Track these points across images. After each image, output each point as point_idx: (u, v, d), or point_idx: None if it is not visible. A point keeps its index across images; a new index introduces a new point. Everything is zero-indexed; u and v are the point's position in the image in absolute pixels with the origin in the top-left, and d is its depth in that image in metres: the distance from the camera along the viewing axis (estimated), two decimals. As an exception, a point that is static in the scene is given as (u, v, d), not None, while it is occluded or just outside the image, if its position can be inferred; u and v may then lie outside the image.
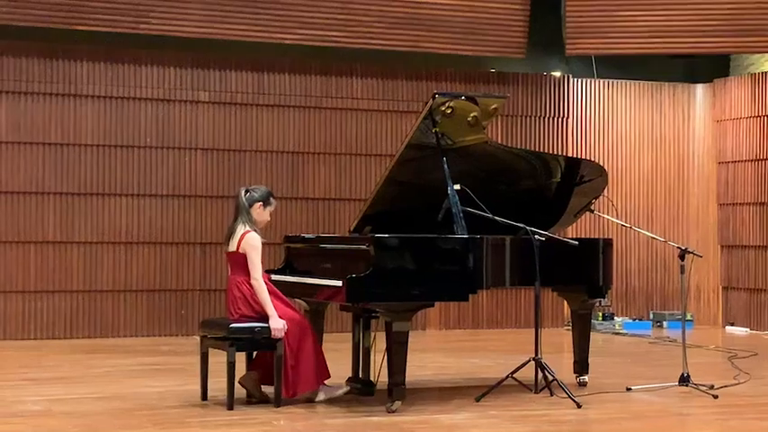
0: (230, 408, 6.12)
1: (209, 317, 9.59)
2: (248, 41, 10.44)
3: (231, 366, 6.13)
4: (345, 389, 6.61)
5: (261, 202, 6.44)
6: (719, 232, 11.94)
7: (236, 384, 6.22)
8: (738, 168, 11.69)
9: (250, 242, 6.29)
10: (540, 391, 6.69)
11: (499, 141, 10.42)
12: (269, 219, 6.54)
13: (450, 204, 6.44)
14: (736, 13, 10.85)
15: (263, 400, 6.36)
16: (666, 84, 12.21)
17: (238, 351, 6.21)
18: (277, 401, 6.21)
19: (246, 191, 6.45)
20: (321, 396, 6.43)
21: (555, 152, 11.29)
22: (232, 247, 6.36)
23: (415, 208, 6.80)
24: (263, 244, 6.37)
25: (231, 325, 6.20)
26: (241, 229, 6.34)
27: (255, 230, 6.36)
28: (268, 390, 6.37)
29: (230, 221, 6.51)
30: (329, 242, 7.03)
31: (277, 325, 6.17)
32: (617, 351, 9.65)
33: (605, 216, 8.22)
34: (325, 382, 6.47)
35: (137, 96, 10.36)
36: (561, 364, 7.59)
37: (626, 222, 8.60)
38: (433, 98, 6.51)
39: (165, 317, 10.40)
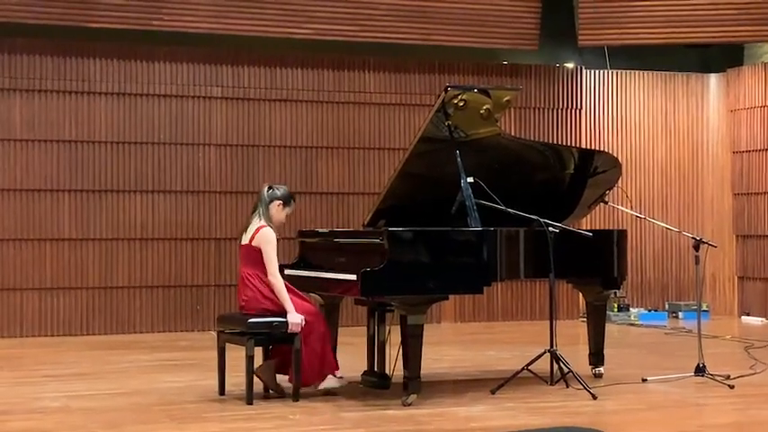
0: (249, 402, 6.14)
1: (223, 312, 9.62)
2: (260, 37, 10.46)
3: (250, 360, 6.15)
4: (341, 383, 6.55)
5: (281, 201, 6.46)
6: (734, 222, 11.91)
7: (255, 378, 6.24)
8: (753, 158, 11.65)
9: (264, 237, 6.32)
10: (556, 382, 6.70)
11: (512, 133, 10.41)
12: (284, 220, 6.56)
13: (464, 197, 6.44)
14: (750, 2, 10.80)
15: (279, 392, 6.38)
16: (680, 74, 12.17)
17: (257, 345, 6.24)
18: (295, 395, 6.23)
19: (270, 187, 6.49)
20: (327, 384, 6.41)
21: (568, 144, 11.27)
22: (245, 239, 6.39)
23: (428, 201, 6.80)
24: (280, 239, 6.39)
25: (249, 320, 6.23)
26: (257, 222, 6.37)
27: (271, 226, 6.38)
28: (282, 380, 6.39)
29: (248, 213, 6.55)
30: (343, 236, 7.04)
31: (295, 320, 6.20)
32: (632, 342, 9.64)
33: (619, 207, 8.21)
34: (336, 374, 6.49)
35: (150, 93, 10.38)
36: (577, 355, 7.58)
37: (640, 213, 8.59)
38: (446, 91, 6.52)
39: (180, 312, 10.43)
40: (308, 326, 6.28)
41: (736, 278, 11.95)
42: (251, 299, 6.32)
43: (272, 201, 6.44)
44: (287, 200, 6.50)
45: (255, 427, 5.63)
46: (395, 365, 6.55)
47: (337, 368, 6.51)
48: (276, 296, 6.29)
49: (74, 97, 10.18)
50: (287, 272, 6.75)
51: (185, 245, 10.48)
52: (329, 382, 6.45)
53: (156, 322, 10.35)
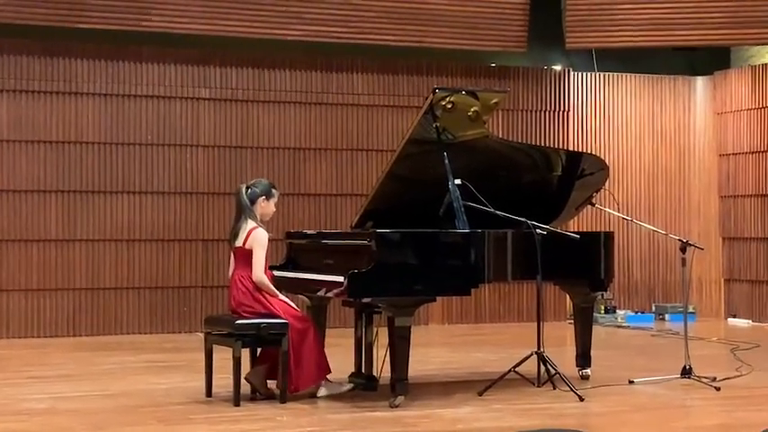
0: (237, 404, 6.13)
1: (211, 313, 9.59)
2: (249, 38, 10.45)
3: (237, 362, 6.14)
4: (348, 387, 6.62)
5: (264, 196, 6.45)
6: (721, 224, 11.95)
7: (242, 380, 6.24)
8: (739, 160, 11.69)
9: (257, 238, 6.31)
10: (543, 384, 6.71)
11: (500, 136, 10.40)
12: (275, 210, 6.56)
13: (452, 199, 6.45)
14: (737, 5, 10.84)
15: (268, 396, 6.38)
16: (667, 77, 12.21)
17: (244, 347, 6.23)
18: (282, 397, 6.22)
19: (247, 187, 6.46)
20: (323, 391, 6.45)
21: (556, 146, 11.29)
22: (239, 242, 6.37)
23: (416, 203, 6.81)
24: (269, 240, 6.39)
25: (237, 321, 6.22)
26: (248, 225, 6.35)
27: (262, 226, 6.37)
28: (273, 385, 6.39)
29: (233, 221, 6.51)
30: (331, 238, 7.05)
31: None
32: (619, 344, 9.66)
33: (606, 209, 8.23)
34: (329, 378, 6.49)
35: (138, 94, 10.36)
36: (564, 357, 7.60)
37: (627, 215, 8.62)
38: (434, 93, 6.52)
39: (167, 314, 10.41)
40: (299, 333, 6.27)
41: (722, 280, 11.99)
42: (243, 302, 6.31)
43: (254, 200, 6.43)
44: (268, 193, 6.49)
45: (242, 428, 5.63)
46: (382, 367, 6.56)
47: (329, 371, 6.50)
48: (265, 298, 6.28)
49: (61, 98, 10.15)
50: (275, 273, 6.74)
51: (173, 246, 10.46)
52: (329, 388, 6.45)
53: (143, 323, 10.32)
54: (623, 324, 11.28)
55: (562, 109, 11.78)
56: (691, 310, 11.51)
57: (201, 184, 10.56)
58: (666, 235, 8.16)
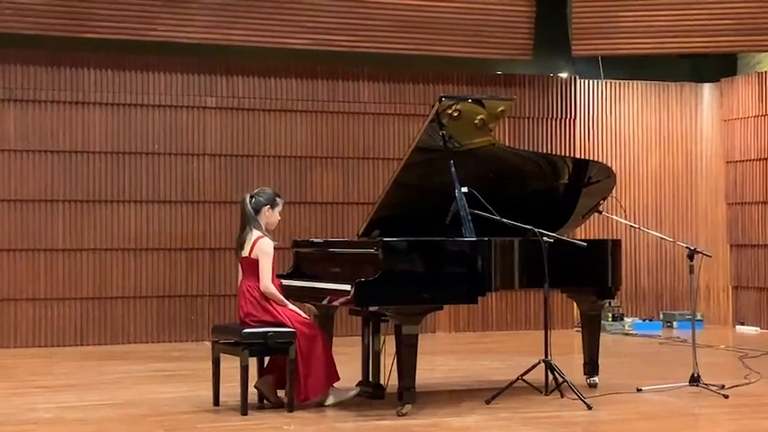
0: (244, 413, 6.12)
1: (218, 322, 9.61)
2: (255, 47, 10.47)
3: (245, 371, 6.13)
4: (355, 391, 6.62)
5: (268, 205, 6.45)
6: (728, 231, 11.92)
7: (249, 389, 6.23)
8: (747, 167, 11.67)
9: (263, 248, 6.31)
10: (551, 392, 6.69)
11: (506, 143, 10.42)
12: (279, 218, 6.56)
13: (458, 207, 6.45)
14: (743, 13, 10.84)
15: (277, 405, 6.37)
16: (673, 84, 12.20)
17: (251, 356, 6.22)
18: (290, 406, 6.22)
19: (251, 197, 6.46)
20: (331, 399, 6.44)
21: (562, 153, 11.29)
22: (245, 252, 6.37)
23: (423, 211, 6.80)
24: (276, 248, 6.39)
25: (244, 330, 6.22)
26: (254, 234, 6.35)
27: (267, 235, 6.38)
28: (282, 394, 6.38)
29: (238, 231, 6.50)
30: (338, 246, 7.05)
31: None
32: (627, 352, 9.64)
33: (613, 217, 8.22)
34: (334, 385, 6.49)
35: (144, 103, 10.39)
36: (571, 365, 7.58)
37: (634, 223, 8.61)
38: (440, 101, 6.52)
39: (175, 323, 10.41)
40: (308, 341, 6.26)
41: (730, 288, 11.96)
42: (251, 312, 6.30)
43: (259, 209, 6.43)
44: (272, 202, 6.49)
45: (250, 437, 5.63)
46: (389, 375, 6.55)
47: (338, 378, 6.50)
48: (273, 307, 6.28)
49: (68, 107, 10.18)
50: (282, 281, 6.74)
51: (180, 255, 10.46)
52: (336, 395, 6.44)
53: (151, 332, 10.33)
54: (631, 332, 11.25)
55: (568, 116, 11.77)
56: (698, 317, 11.48)
57: (208, 192, 10.57)
58: (674, 242, 8.15)
